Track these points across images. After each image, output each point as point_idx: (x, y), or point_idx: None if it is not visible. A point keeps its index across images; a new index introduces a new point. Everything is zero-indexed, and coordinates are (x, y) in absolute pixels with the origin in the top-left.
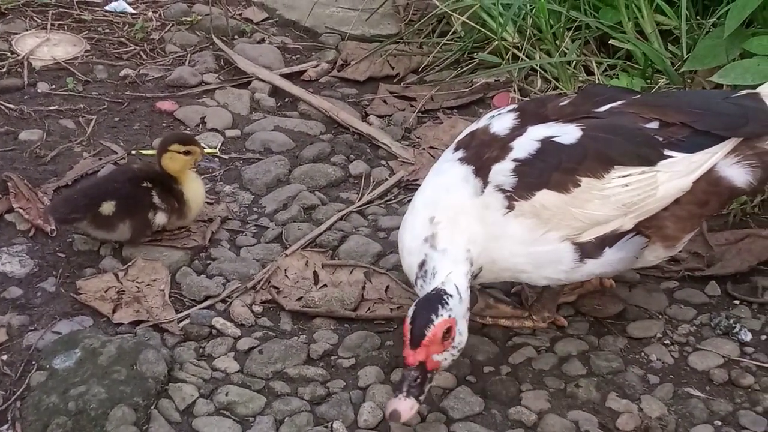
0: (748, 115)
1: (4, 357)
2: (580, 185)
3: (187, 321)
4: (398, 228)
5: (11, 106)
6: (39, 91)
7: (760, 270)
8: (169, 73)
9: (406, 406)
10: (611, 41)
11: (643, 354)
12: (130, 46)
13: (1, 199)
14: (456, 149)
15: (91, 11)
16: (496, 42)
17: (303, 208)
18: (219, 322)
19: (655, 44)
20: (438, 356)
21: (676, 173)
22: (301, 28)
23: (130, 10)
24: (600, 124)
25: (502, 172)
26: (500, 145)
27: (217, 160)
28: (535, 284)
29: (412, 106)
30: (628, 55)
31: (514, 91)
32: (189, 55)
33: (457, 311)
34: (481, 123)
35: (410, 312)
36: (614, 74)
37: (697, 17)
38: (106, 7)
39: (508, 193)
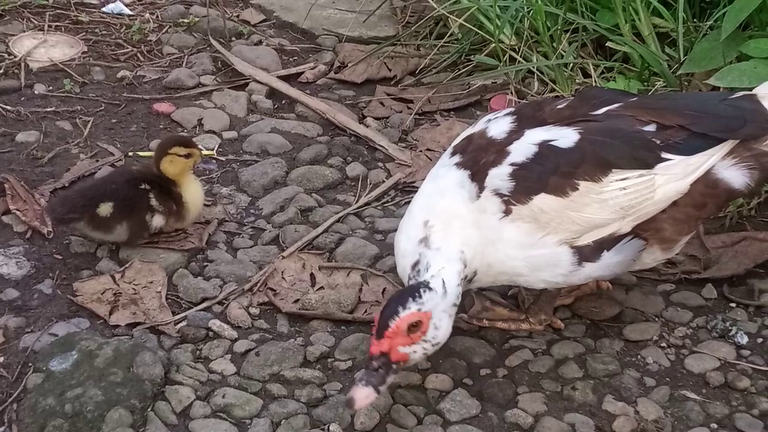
0: (745, 117)
1: (1, 359)
2: (578, 189)
3: (183, 323)
4: (395, 230)
5: (8, 107)
6: (36, 92)
7: (757, 273)
8: (166, 75)
9: (361, 395)
10: (608, 44)
11: (639, 357)
12: (127, 48)
13: None
14: (453, 154)
15: (89, 13)
16: (494, 44)
17: (300, 210)
18: (216, 324)
19: (652, 47)
20: (405, 348)
21: (674, 176)
22: (298, 30)
23: (127, 11)
24: (597, 128)
25: (500, 176)
26: (497, 150)
27: (215, 162)
28: (532, 287)
29: (409, 108)
30: (625, 58)
31: (511, 93)
32: (186, 56)
33: (433, 305)
34: (477, 127)
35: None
36: (611, 77)
37: (694, 20)
38: (104, 9)
39: (506, 198)
